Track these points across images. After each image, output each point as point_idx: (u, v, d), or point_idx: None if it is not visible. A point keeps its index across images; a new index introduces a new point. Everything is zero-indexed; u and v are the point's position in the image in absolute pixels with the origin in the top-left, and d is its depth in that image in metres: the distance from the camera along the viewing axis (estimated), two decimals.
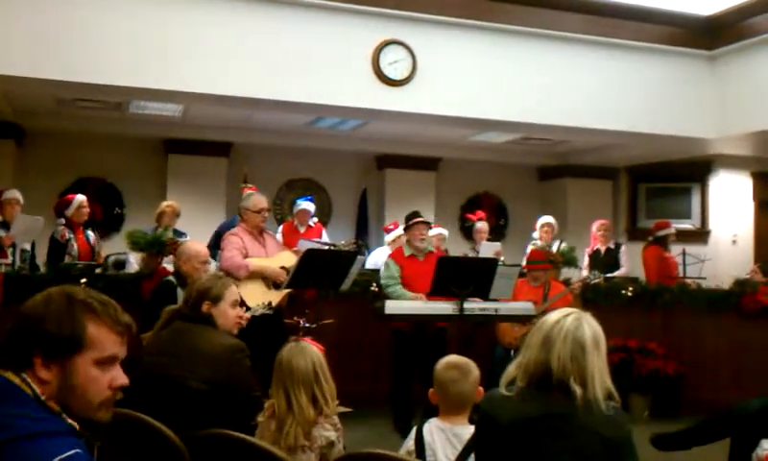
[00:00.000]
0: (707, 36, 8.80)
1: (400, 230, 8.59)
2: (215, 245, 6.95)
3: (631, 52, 8.61)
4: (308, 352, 3.07)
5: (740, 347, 7.34)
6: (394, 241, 8.35)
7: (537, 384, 2.41)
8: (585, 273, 8.19)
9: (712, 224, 11.05)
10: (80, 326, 1.78)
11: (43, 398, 1.72)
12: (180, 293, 5.24)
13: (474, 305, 5.80)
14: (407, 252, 6.43)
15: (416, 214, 6.52)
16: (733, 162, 10.80)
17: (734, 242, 10.88)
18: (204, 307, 3.53)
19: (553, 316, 2.50)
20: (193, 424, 2.82)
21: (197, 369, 3.23)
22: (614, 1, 8.33)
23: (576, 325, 2.44)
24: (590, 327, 2.46)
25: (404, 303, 5.96)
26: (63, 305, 1.79)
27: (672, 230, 8.76)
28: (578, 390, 2.36)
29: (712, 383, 7.23)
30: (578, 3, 8.27)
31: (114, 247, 8.49)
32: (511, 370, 2.50)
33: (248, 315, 3.84)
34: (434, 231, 7.85)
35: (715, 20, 8.65)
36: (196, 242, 5.94)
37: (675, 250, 8.76)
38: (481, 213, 9.21)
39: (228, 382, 3.23)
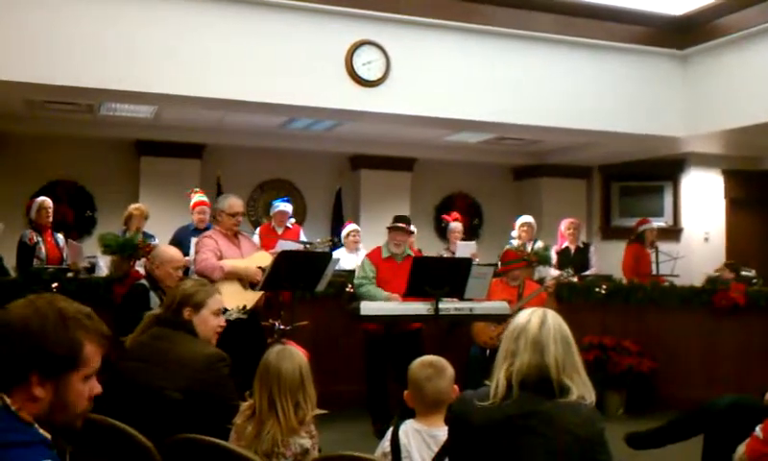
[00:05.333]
0: (678, 35, 8.88)
1: (351, 228, 8.73)
2: None
3: (603, 52, 8.67)
4: (296, 358, 3.03)
5: (712, 343, 7.41)
6: (347, 236, 8.68)
7: (533, 387, 2.42)
8: (554, 272, 8.23)
9: (685, 221, 11.17)
10: (77, 345, 1.79)
11: (14, 409, 1.71)
12: (153, 297, 5.21)
13: (449, 305, 5.81)
14: (385, 253, 6.43)
15: (398, 218, 6.52)
16: (705, 160, 10.93)
17: (706, 239, 11.00)
18: (186, 314, 3.47)
19: (533, 319, 2.51)
20: (168, 432, 2.79)
21: (174, 377, 3.18)
22: (587, 1, 8.38)
23: (558, 323, 2.50)
24: (563, 323, 2.53)
25: (380, 304, 5.95)
26: (60, 324, 1.78)
27: (651, 227, 8.86)
28: (574, 387, 2.41)
29: (686, 380, 7.30)
30: (551, 3, 8.32)
31: (86, 250, 8.40)
32: (500, 379, 2.47)
33: (222, 320, 3.80)
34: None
35: (686, 20, 8.74)
36: (170, 246, 5.90)
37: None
38: (456, 214, 9.24)
39: (207, 392, 3.18)
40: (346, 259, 8.29)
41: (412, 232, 6.68)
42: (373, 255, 6.51)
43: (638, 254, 8.75)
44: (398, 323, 6.04)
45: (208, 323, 3.52)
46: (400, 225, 6.44)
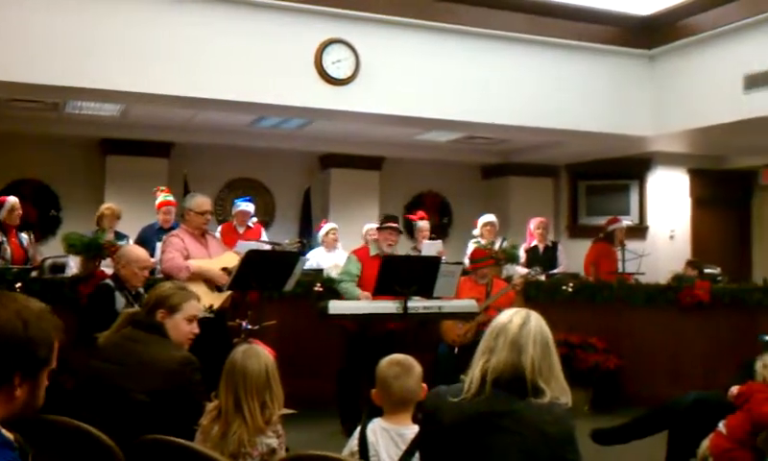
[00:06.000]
0: (645, 35, 8.97)
1: (329, 227, 8.74)
2: None
3: (572, 51, 8.73)
4: (262, 357, 3.01)
5: (678, 340, 7.50)
6: (327, 234, 8.70)
7: (505, 386, 2.43)
8: (522, 270, 8.28)
9: (650, 220, 11.29)
10: (52, 342, 1.81)
11: None
12: (118, 297, 5.16)
13: (418, 304, 5.82)
14: (373, 251, 6.44)
15: (389, 218, 6.53)
16: (671, 160, 11.05)
17: (672, 237, 11.13)
18: (159, 315, 3.45)
19: (515, 319, 2.52)
20: (136, 434, 2.76)
21: (143, 379, 3.15)
22: (556, 1, 8.44)
23: (539, 326, 2.52)
24: (545, 326, 2.54)
25: (347, 303, 5.95)
26: (39, 324, 1.78)
27: (621, 226, 8.95)
28: (548, 391, 2.43)
29: (651, 377, 7.37)
30: (520, 3, 8.36)
31: (50, 250, 8.29)
32: (475, 375, 2.48)
33: (196, 328, 3.75)
34: (369, 226, 8.19)
35: (653, 20, 8.83)
36: (137, 246, 5.85)
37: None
38: (421, 213, 9.26)
39: (176, 395, 3.15)
40: (324, 258, 8.30)
41: (401, 232, 6.70)
42: (361, 253, 6.50)
43: (603, 252, 8.83)
44: (375, 323, 6.03)
45: (181, 327, 3.48)
46: (394, 225, 6.45)
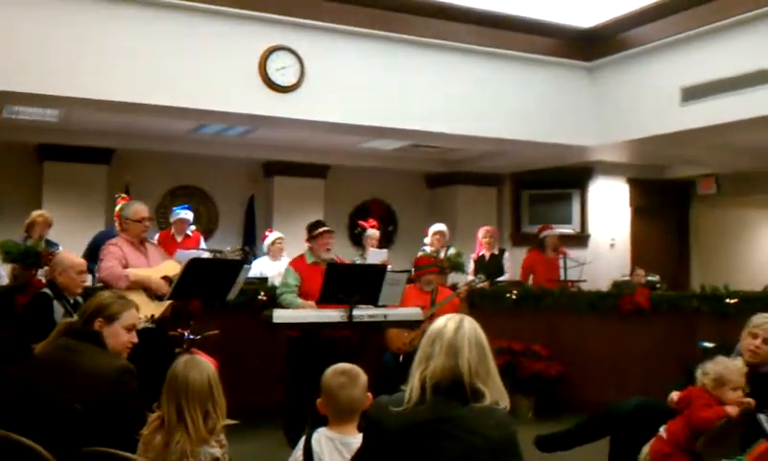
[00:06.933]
0: (586, 47, 9.14)
1: (275, 236, 8.65)
2: (90, 257, 6.68)
3: (515, 62, 8.84)
4: (204, 367, 2.97)
5: (619, 347, 7.60)
6: (273, 243, 8.55)
7: (445, 391, 2.44)
8: (468, 278, 8.34)
9: (592, 228, 11.48)
10: None
11: None
12: (57, 306, 5.04)
13: (363, 312, 5.79)
14: (309, 259, 6.34)
15: (320, 224, 6.45)
16: (611, 169, 11.27)
17: (612, 246, 11.34)
18: (97, 324, 3.38)
19: (449, 324, 2.54)
20: (74, 445, 2.71)
21: (80, 389, 3.08)
22: (499, 12, 8.53)
23: (474, 328, 2.54)
24: (479, 329, 2.56)
25: (292, 312, 5.88)
26: None
27: (552, 233, 9.06)
28: (487, 393, 2.44)
29: (593, 383, 7.46)
30: (466, 14, 8.43)
31: None
32: (415, 383, 2.48)
33: (135, 337, 3.67)
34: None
35: (594, 33, 9.00)
36: (70, 252, 5.72)
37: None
38: (373, 221, 9.27)
39: (113, 405, 3.09)
40: (268, 267, 8.21)
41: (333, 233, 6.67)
42: (297, 264, 6.40)
43: (536, 260, 8.96)
44: (320, 332, 5.96)
45: (119, 337, 3.42)
46: (330, 229, 6.39)
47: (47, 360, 3.27)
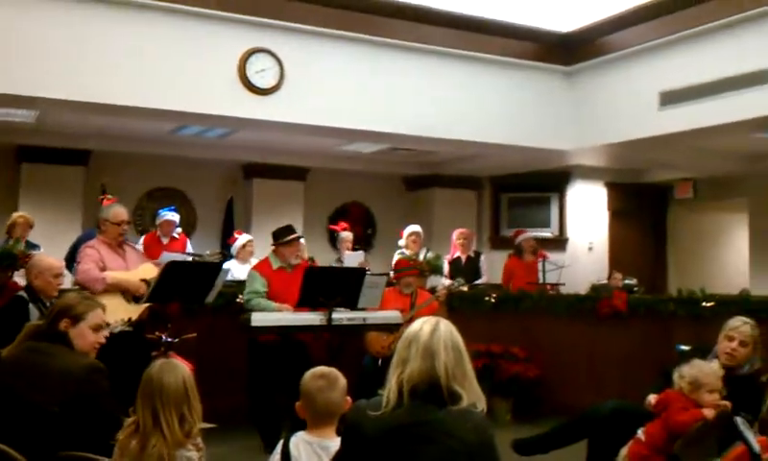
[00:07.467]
0: (564, 52, 9.20)
1: (245, 239, 8.56)
2: (72, 259, 6.63)
3: (494, 66, 8.87)
4: (179, 370, 2.96)
5: (597, 350, 7.63)
6: (244, 247, 8.46)
7: (422, 395, 2.43)
8: (446, 281, 8.33)
9: (570, 232, 11.53)
10: None
11: None
12: (33, 309, 4.99)
13: (342, 315, 5.77)
14: (275, 264, 6.28)
15: (290, 230, 6.39)
16: (589, 173, 11.33)
17: (590, 249, 11.40)
18: (62, 325, 3.34)
19: (425, 327, 2.54)
20: (48, 448, 2.69)
21: (50, 391, 3.06)
22: (478, 17, 8.57)
23: (449, 331, 2.54)
24: (455, 331, 2.56)
25: (271, 315, 5.84)
26: None
27: (526, 236, 9.10)
28: (464, 395, 2.43)
29: (571, 386, 7.49)
30: (445, 17, 8.45)
31: None
32: (392, 387, 2.48)
33: (106, 332, 3.65)
34: None
35: (572, 37, 9.06)
36: (48, 255, 5.66)
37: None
38: (344, 223, 9.24)
39: (85, 405, 3.06)
40: (238, 270, 8.14)
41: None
42: (262, 268, 6.33)
43: (514, 265, 9.00)
44: (293, 334, 5.93)
45: (86, 337, 3.39)
46: (298, 235, 6.36)
47: (15, 364, 3.24)
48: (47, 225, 8.29)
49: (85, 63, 6.86)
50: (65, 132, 9.53)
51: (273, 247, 6.35)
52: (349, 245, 8.81)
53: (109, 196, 7.73)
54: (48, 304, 5.12)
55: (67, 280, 6.03)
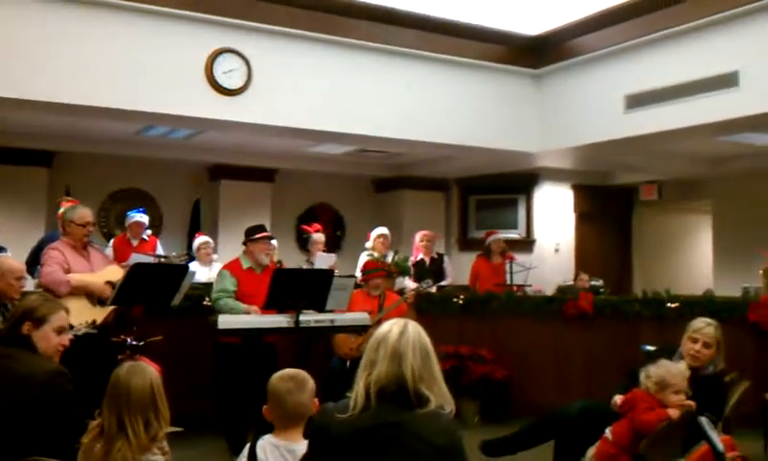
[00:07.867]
0: (532, 55, 9.25)
1: (201, 240, 8.52)
2: (34, 261, 6.52)
3: (463, 68, 8.90)
4: (147, 374, 2.92)
5: (563, 351, 7.70)
6: (199, 249, 8.51)
7: (390, 397, 2.43)
8: (412, 283, 8.30)
9: (537, 233, 11.61)
10: None
11: None
12: None
13: (310, 317, 5.74)
14: (245, 264, 6.23)
15: (261, 228, 6.35)
16: (556, 175, 11.41)
17: (557, 251, 11.49)
18: (25, 328, 3.29)
19: (393, 329, 2.53)
20: (11, 453, 2.66)
21: (10, 395, 3.00)
22: (447, 19, 8.58)
23: (417, 333, 2.53)
24: (424, 333, 2.56)
25: (238, 317, 5.79)
26: None
27: (496, 238, 9.14)
28: (432, 397, 2.43)
29: (539, 386, 7.54)
30: (413, 19, 8.46)
31: None
32: (360, 390, 2.47)
33: (70, 335, 3.60)
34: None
35: (540, 40, 9.12)
36: (8, 257, 5.57)
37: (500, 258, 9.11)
38: (317, 225, 9.20)
39: (47, 408, 3.01)
40: (199, 272, 8.06)
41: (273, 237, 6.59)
42: (233, 268, 6.29)
43: (481, 266, 9.04)
44: (261, 336, 5.88)
45: (50, 340, 3.34)
46: (269, 234, 6.33)
47: None
48: (10, 226, 8.14)
49: (49, 63, 6.74)
50: (28, 132, 9.39)
51: (244, 245, 6.31)
52: (322, 247, 8.75)
53: (69, 198, 7.63)
54: (10, 307, 5.03)
55: (29, 284, 5.92)
